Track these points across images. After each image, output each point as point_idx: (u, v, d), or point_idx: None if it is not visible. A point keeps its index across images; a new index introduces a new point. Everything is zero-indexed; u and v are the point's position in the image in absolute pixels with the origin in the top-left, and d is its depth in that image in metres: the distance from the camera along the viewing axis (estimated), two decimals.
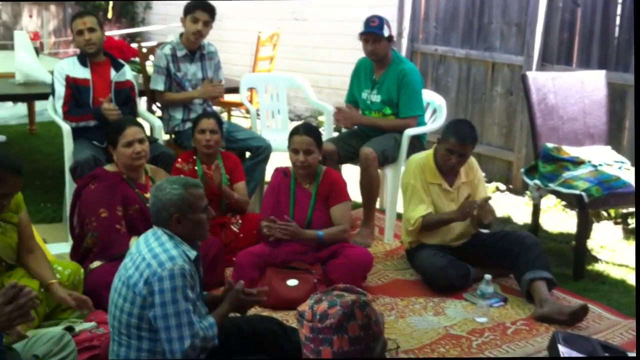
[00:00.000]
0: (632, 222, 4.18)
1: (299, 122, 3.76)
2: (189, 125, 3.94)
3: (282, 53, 6.34)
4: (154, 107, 4.28)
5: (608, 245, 3.98)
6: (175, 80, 4.04)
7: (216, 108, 4.77)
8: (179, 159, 3.67)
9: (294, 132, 3.30)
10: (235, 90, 4.68)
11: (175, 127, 4.09)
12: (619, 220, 4.26)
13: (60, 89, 3.74)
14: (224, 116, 5.69)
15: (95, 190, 3.04)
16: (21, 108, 6.57)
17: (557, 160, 3.76)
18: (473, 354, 2.77)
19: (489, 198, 3.37)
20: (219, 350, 2.25)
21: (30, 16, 9.37)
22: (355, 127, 4.18)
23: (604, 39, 4.53)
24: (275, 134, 4.51)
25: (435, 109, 4.23)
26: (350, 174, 4.27)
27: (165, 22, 8.43)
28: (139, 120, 3.59)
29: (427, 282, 3.37)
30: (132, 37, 8.98)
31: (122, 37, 8.74)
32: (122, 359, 2.20)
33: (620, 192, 3.51)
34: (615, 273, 3.61)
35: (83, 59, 3.76)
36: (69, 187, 3.62)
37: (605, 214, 4.30)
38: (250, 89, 5.13)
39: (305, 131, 3.27)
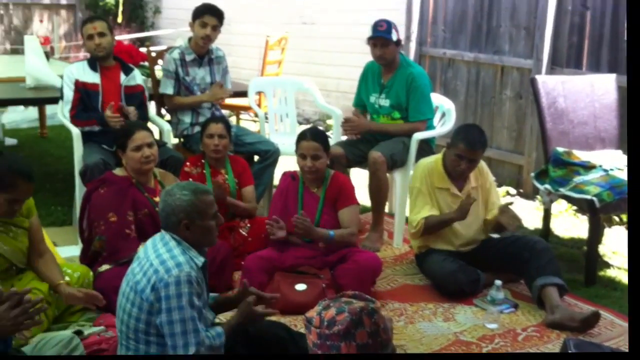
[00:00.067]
0: None
1: (308, 126, 3.76)
2: (197, 129, 3.94)
3: (290, 57, 6.34)
4: (162, 111, 4.29)
5: (620, 251, 3.94)
6: (183, 84, 4.05)
7: (225, 112, 4.77)
8: (188, 163, 3.68)
9: (301, 137, 3.29)
10: (243, 94, 4.69)
11: (184, 131, 4.10)
12: None
13: (68, 93, 3.76)
14: (233, 120, 5.70)
15: (105, 195, 3.04)
16: (32, 112, 6.61)
17: (568, 165, 3.73)
18: None
19: (511, 203, 3.35)
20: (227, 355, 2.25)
21: (41, 21, 9.43)
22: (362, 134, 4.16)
23: (614, 42, 4.49)
24: (284, 137, 4.50)
25: (444, 113, 4.21)
26: (359, 178, 4.26)
27: (174, 27, 8.46)
28: (148, 124, 3.60)
29: (436, 288, 3.35)
30: (142, 42, 9.03)
31: (131, 42, 8.78)
32: None
33: None
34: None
35: (93, 64, 3.78)
36: (79, 190, 3.63)
37: (617, 219, 4.26)
38: (259, 93, 5.14)
39: (313, 136, 3.26)
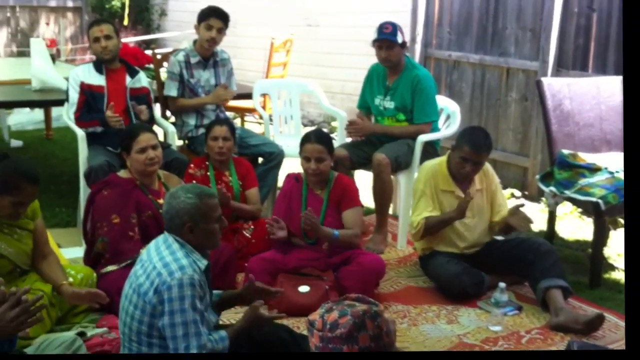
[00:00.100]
0: None
1: (312, 128, 3.76)
2: (202, 131, 3.95)
3: (295, 59, 6.35)
4: (167, 113, 4.30)
5: None
6: (188, 86, 4.06)
7: (229, 114, 4.78)
8: (192, 165, 3.68)
9: (306, 140, 3.29)
10: (248, 96, 4.69)
11: (189, 133, 4.11)
12: None
13: (74, 95, 3.77)
14: (237, 122, 5.71)
15: (108, 196, 3.05)
16: (38, 114, 6.64)
17: (573, 167, 3.71)
18: None
19: (522, 205, 3.34)
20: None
21: (47, 23, 9.48)
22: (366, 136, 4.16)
23: (620, 44, 4.47)
24: (289, 139, 4.50)
25: (449, 115, 4.20)
26: (363, 180, 4.25)
27: (180, 29, 8.49)
28: (153, 126, 3.61)
29: (440, 290, 3.34)
30: (147, 44, 9.06)
31: (137, 44, 8.81)
32: None
33: None
34: None
35: (99, 66, 3.79)
36: (84, 192, 3.64)
37: (622, 221, 4.22)
38: (264, 95, 5.14)
39: (317, 139, 3.26)
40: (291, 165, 4.23)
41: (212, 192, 2.32)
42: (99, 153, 3.63)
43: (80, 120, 3.75)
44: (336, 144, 3.87)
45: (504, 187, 4.89)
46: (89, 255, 3.11)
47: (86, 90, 3.76)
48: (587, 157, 3.75)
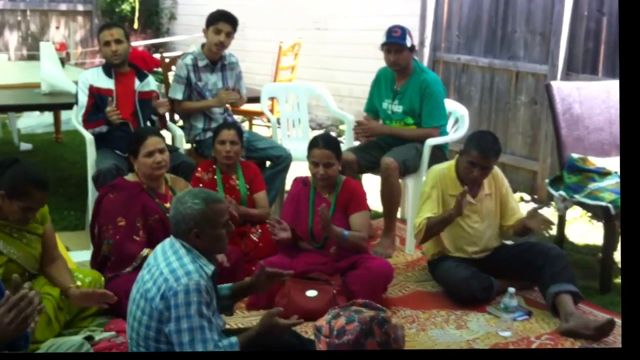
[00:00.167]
0: None
1: (320, 131, 3.75)
2: (210, 134, 3.96)
3: (303, 62, 6.35)
4: (176, 116, 4.31)
5: None
6: (196, 89, 4.06)
7: (237, 117, 4.79)
8: (199, 168, 3.69)
9: (314, 145, 3.27)
10: (256, 99, 4.70)
11: (196, 136, 4.11)
12: None
13: (83, 99, 3.79)
14: (245, 125, 5.71)
15: (115, 200, 3.06)
16: (47, 117, 6.68)
17: (583, 171, 3.69)
18: None
19: (540, 207, 3.31)
20: None
21: (57, 27, 9.54)
22: (374, 137, 4.15)
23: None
24: (296, 143, 4.50)
25: (458, 119, 4.19)
26: (371, 183, 4.24)
27: (189, 33, 8.52)
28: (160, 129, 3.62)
29: (449, 295, 3.32)
30: (157, 48, 9.09)
31: (146, 48, 8.84)
32: None
33: None
34: None
35: (108, 70, 3.81)
36: (92, 195, 3.65)
37: None
38: (272, 99, 5.14)
39: (325, 144, 3.24)
40: (299, 168, 4.22)
41: (219, 197, 2.31)
42: (107, 156, 3.65)
43: (87, 121, 3.77)
44: (344, 147, 3.86)
45: (513, 191, 4.85)
46: (95, 258, 3.11)
47: (95, 93, 3.77)
48: (596, 161, 3.73)
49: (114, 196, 3.07)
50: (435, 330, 3.01)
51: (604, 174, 3.64)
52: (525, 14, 5.05)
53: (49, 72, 4.61)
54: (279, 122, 4.72)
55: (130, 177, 3.18)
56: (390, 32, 3.82)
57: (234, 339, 2.17)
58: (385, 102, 4.00)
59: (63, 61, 5.36)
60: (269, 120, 4.81)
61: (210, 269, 2.21)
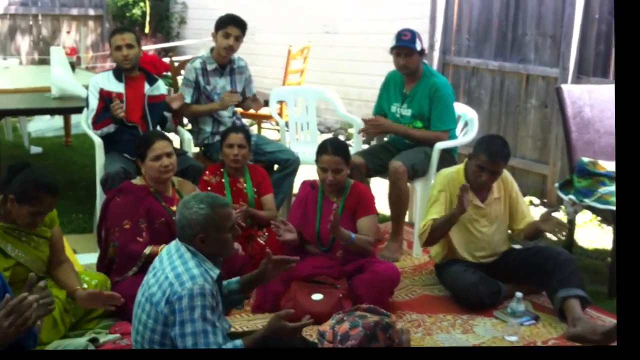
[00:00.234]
0: None
1: (329, 135, 3.74)
2: (218, 138, 3.96)
3: (312, 66, 6.35)
4: (185, 120, 4.32)
5: None
6: (204, 93, 4.07)
7: (246, 120, 4.79)
8: (207, 172, 3.69)
9: (322, 151, 3.25)
10: (265, 103, 4.70)
11: (205, 140, 4.12)
12: None
13: (93, 102, 3.82)
14: (254, 129, 5.72)
15: (121, 203, 3.07)
16: (58, 121, 6.73)
17: (593, 175, 3.65)
18: None
19: (554, 210, 3.29)
20: None
21: (69, 32, 9.62)
22: (385, 138, 4.14)
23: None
24: (305, 146, 4.50)
25: (467, 122, 4.16)
26: (379, 187, 4.22)
27: (199, 37, 8.55)
28: (168, 133, 3.63)
29: (456, 299, 3.30)
30: (167, 52, 9.14)
31: (156, 52, 8.89)
32: None
33: None
34: None
35: (118, 74, 3.83)
36: (100, 198, 3.66)
37: None
38: (280, 102, 5.15)
39: (334, 150, 3.22)
40: (307, 172, 4.22)
41: (225, 201, 2.30)
42: (116, 160, 3.66)
43: (95, 123, 3.80)
44: (352, 151, 3.85)
45: (523, 195, 4.82)
46: (102, 261, 3.13)
47: (105, 97, 3.79)
48: (607, 165, 3.69)
49: (120, 199, 3.08)
50: (441, 334, 3.00)
51: (614, 178, 3.60)
52: (536, 16, 5.03)
53: (59, 77, 4.64)
54: (287, 126, 4.72)
55: (137, 180, 3.19)
56: (400, 35, 3.80)
57: (238, 342, 2.16)
58: (394, 105, 3.99)
59: (73, 65, 5.40)
60: (277, 124, 4.81)
61: (215, 272, 2.20)
